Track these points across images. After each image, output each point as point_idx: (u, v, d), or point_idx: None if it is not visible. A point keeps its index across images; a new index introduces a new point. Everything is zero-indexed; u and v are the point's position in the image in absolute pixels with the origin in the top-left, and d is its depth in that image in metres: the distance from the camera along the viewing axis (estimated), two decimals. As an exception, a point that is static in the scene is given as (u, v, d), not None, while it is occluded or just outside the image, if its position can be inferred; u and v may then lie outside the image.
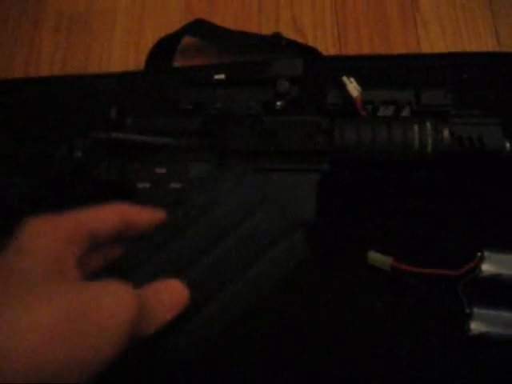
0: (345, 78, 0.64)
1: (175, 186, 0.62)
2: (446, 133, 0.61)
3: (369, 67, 0.73)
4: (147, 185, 0.62)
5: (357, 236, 0.64)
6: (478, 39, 0.77)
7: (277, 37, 0.78)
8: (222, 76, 0.66)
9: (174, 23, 0.78)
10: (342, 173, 0.63)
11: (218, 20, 0.79)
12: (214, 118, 0.63)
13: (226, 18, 0.82)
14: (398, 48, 0.77)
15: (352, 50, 0.77)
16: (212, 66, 0.78)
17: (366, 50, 0.77)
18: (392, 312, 0.60)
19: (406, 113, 0.62)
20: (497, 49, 0.76)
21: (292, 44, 0.76)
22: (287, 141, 0.61)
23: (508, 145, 0.62)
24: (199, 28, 0.78)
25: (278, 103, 0.65)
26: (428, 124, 0.61)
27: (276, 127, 0.62)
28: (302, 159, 0.61)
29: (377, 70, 0.73)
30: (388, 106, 0.63)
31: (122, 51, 0.80)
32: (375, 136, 0.61)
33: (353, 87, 0.63)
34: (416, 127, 0.61)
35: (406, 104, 0.62)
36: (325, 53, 0.76)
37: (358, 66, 0.73)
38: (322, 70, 0.73)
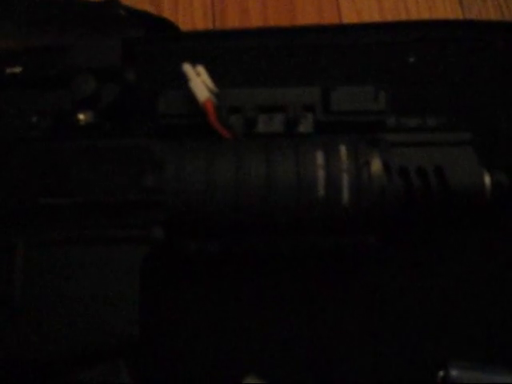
0: (187, 68, 0.37)
1: None
2: (376, 165, 0.36)
3: (255, 48, 0.49)
4: None
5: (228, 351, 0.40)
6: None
7: (110, 3, 0.52)
8: (17, 69, 0.47)
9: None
10: (188, 243, 0.38)
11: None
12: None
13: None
14: (306, 17, 0.54)
15: (232, 22, 0.54)
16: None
17: (255, 21, 0.54)
18: None
19: (305, 127, 0.39)
20: (460, 15, 0.54)
21: (134, 14, 0.52)
22: (89, 185, 0.39)
23: (488, 180, 0.39)
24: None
25: (81, 116, 0.42)
26: (343, 149, 0.37)
27: (70, 160, 0.39)
28: (113, 218, 0.38)
29: (267, 52, 0.49)
30: (273, 116, 0.39)
31: None
32: (239, 177, 0.36)
33: (200, 84, 0.36)
34: (320, 157, 0.36)
35: (306, 111, 0.39)
36: (187, 28, 0.53)
37: (239, 47, 0.50)
38: (176, 56, 0.48)
